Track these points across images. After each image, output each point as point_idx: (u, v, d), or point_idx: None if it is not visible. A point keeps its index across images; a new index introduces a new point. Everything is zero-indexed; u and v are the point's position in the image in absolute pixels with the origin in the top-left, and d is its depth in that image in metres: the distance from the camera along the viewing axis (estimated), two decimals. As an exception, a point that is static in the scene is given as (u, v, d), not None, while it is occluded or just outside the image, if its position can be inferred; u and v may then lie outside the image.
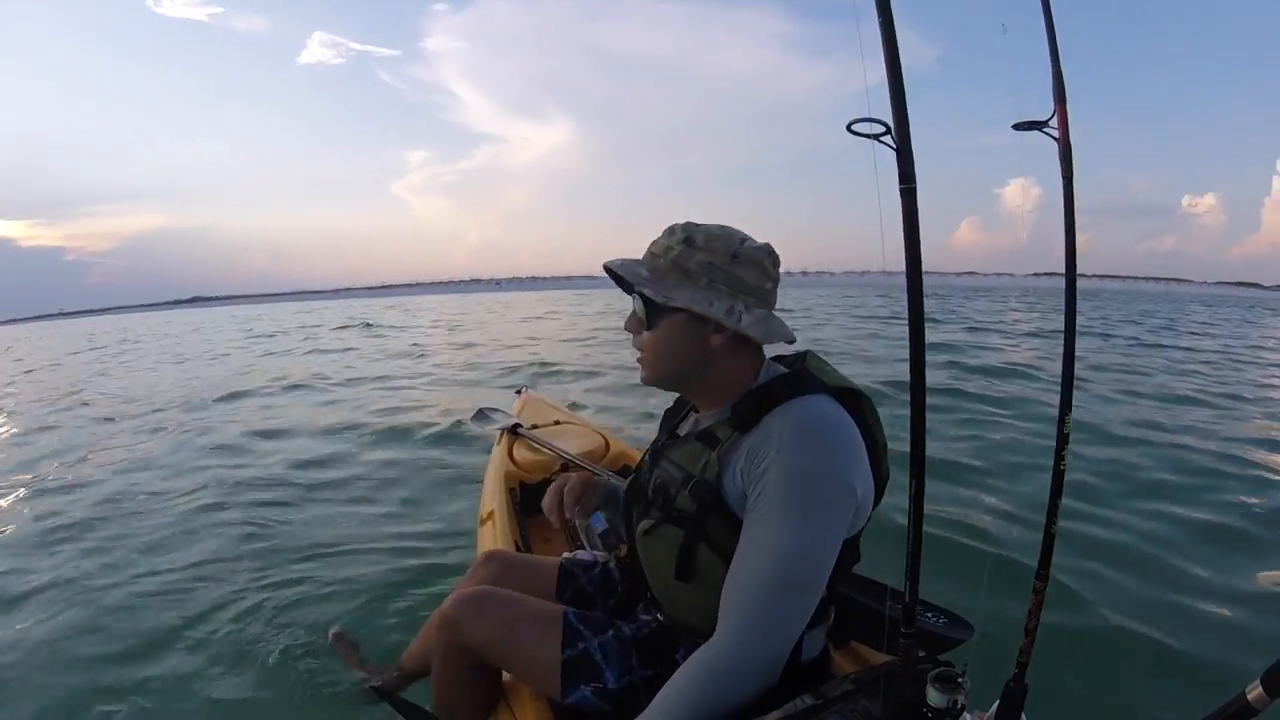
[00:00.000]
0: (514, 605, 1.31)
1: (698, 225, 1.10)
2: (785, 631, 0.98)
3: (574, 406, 5.16)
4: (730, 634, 0.97)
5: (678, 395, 1.27)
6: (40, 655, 2.30)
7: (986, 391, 6.56)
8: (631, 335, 1.13)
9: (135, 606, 2.60)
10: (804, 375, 1.09)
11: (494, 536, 2.09)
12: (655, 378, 1.13)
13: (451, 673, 1.36)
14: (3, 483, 4.66)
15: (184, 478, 4.36)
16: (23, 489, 4.46)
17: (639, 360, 1.14)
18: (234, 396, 7.79)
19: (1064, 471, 1.00)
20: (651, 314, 1.08)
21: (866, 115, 1.02)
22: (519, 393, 3.70)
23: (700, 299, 1.05)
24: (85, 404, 8.20)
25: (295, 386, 8.39)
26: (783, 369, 1.14)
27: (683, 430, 1.21)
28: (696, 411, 1.19)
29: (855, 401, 1.09)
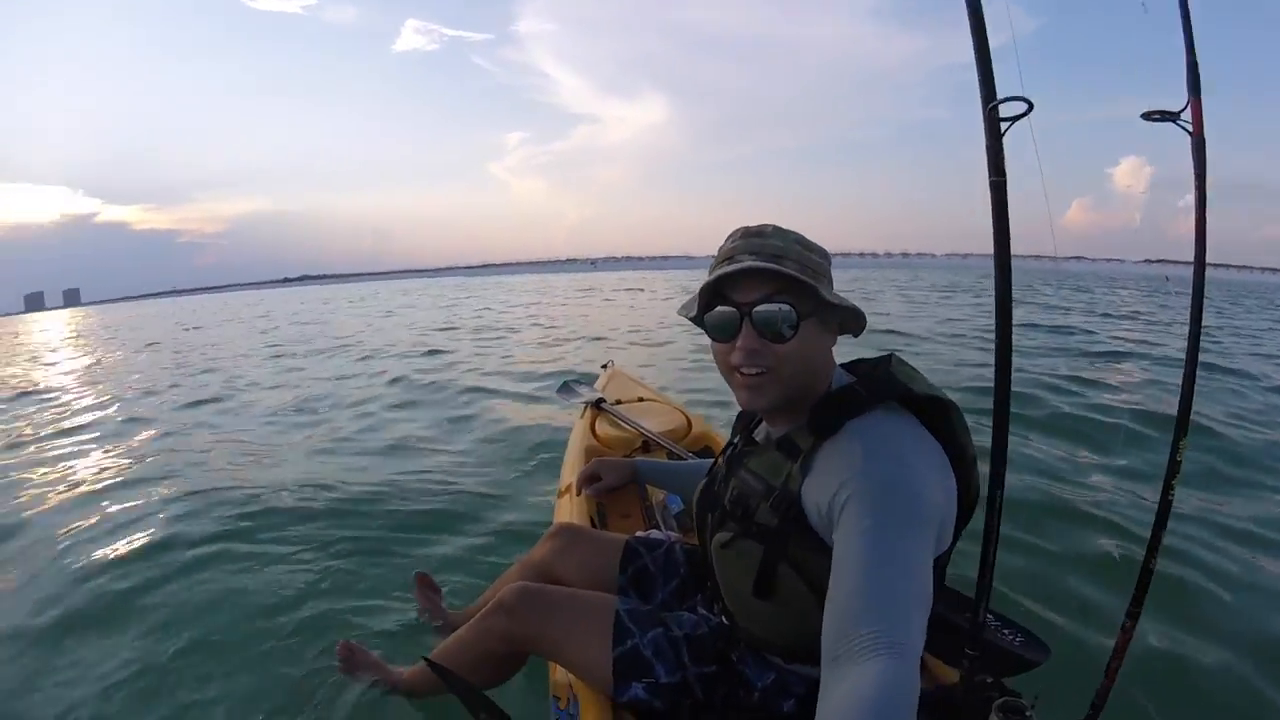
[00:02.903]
0: (570, 602, 1.33)
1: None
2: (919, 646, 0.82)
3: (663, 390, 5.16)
4: (888, 654, 0.77)
5: None
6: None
7: (1102, 379, 6.04)
8: (746, 352, 1.01)
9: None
10: (888, 381, 1.02)
11: (569, 509, 2.10)
12: (783, 396, 1.03)
13: (491, 651, 1.39)
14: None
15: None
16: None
17: (758, 378, 1.02)
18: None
19: (1171, 503, 0.88)
20: (800, 319, 1.00)
21: (1012, 94, 0.95)
22: (605, 368, 3.71)
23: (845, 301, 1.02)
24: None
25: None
26: (850, 377, 1.08)
27: (759, 435, 1.17)
28: (766, 420, 1.14)
29: (942, 411, 1.02)
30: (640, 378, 3.60)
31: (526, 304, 21.42)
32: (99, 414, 6.28)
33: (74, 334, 23.37)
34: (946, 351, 7.95)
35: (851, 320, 1.09)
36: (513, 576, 1.68)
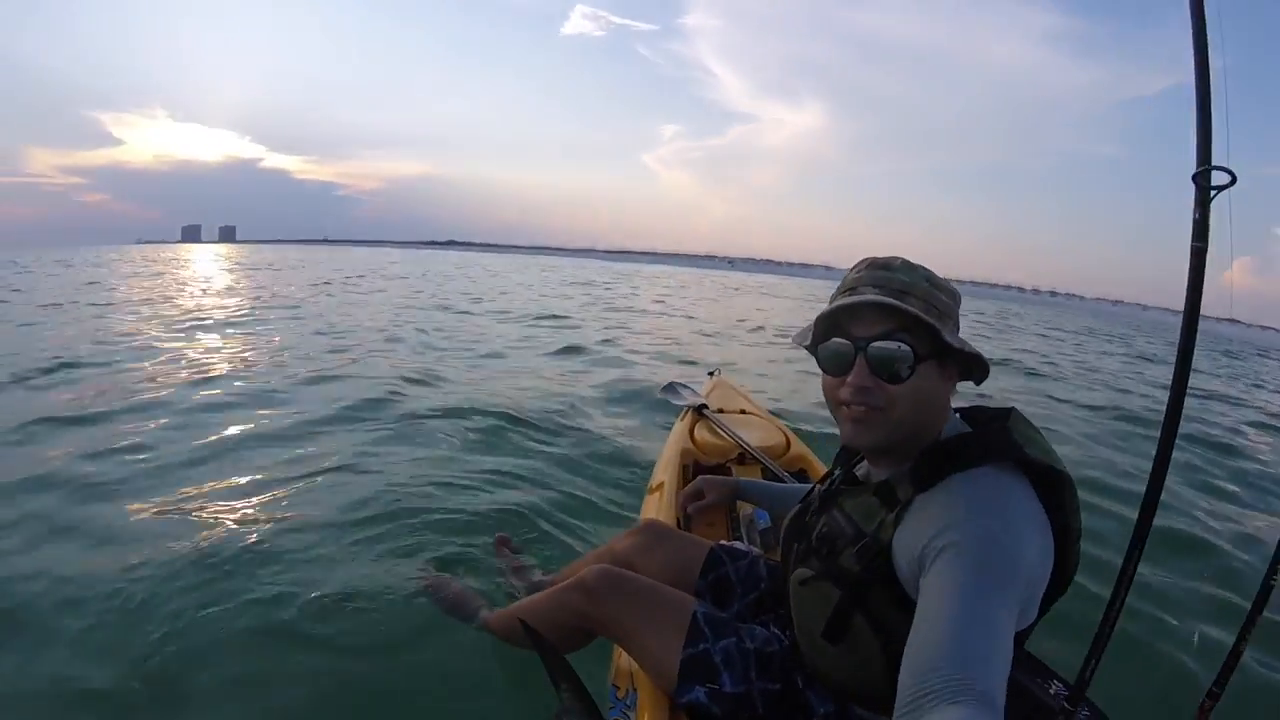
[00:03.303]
0: (650, 595, 1.34)
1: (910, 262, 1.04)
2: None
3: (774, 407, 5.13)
4: (973, 702, 0.74)
5: None
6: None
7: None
8: (857, 388, 0.99)
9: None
10: (1000, 439, 0.97)
11: (658, 508, 2.15)
12: (889, 437, 1.00)
13: (562, 624, 1.43)
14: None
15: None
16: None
17: (866, 415, 0.99)
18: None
19: (1272, 588, 0.82)
20: (917, 359, 0.97)
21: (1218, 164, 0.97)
22: (711, 374, 3.71)
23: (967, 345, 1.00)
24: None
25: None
26: (965, 426, 1.04)
27: (860, 472, 1.14)
28: (869, 461, 1.11)
29: (1056, 481, 0.95)
30: (745, 389, 3.59)
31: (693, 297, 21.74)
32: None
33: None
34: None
35: (975, 367, 1.05)
36: (592, 560, 1.73)
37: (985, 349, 1.06)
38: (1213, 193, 1.10)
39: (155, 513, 2.73)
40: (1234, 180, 1.08)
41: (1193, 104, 1.14)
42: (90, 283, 16.02)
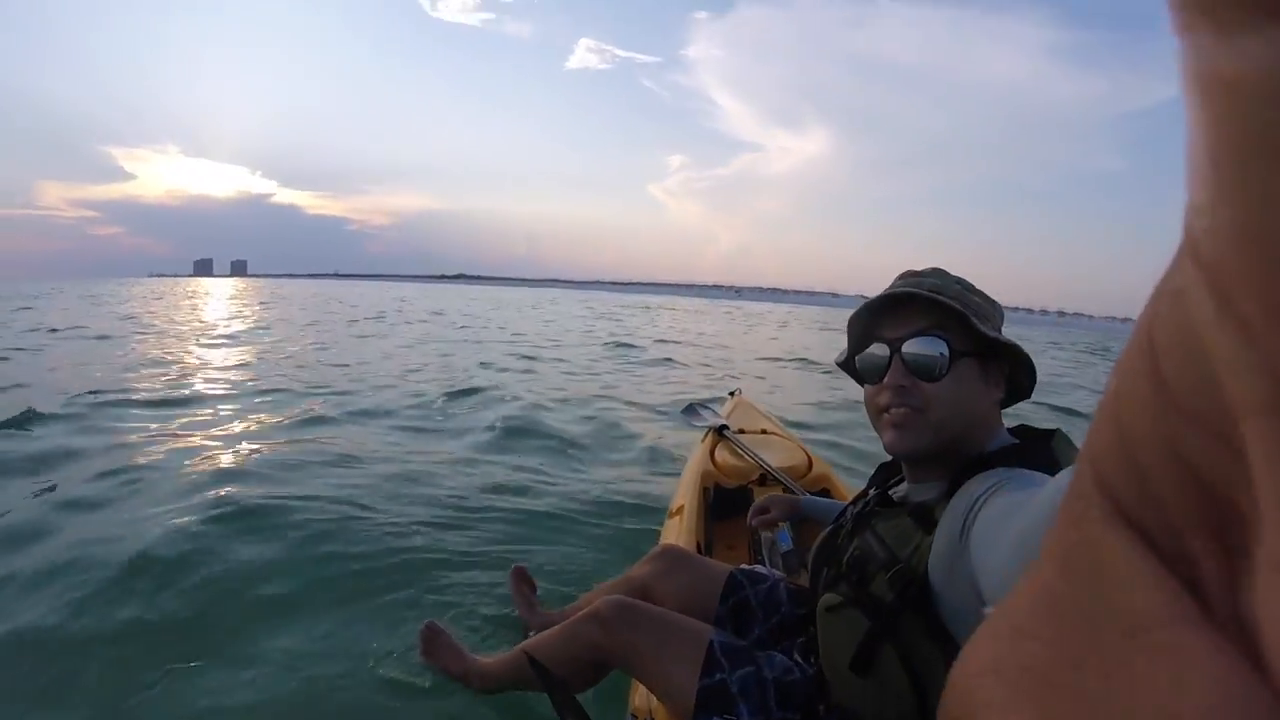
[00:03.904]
0: (665, 624, 1.30)
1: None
2: None
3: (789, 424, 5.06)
4: None
5: None
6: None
7: None
8: (894, 390, 0.97)
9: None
10: (1041, 453, 0.92)
11: (678, 532, 2.09)
12: (932, 442, 0.96)
13: (574, 657, 1.38)
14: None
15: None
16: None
17: (905, 416, 0.97)
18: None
19: None
20: (953, 356, 0.95)
21: None
22: (732, 395, 3.66)
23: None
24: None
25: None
26: (1014, 439, 0.98)
27: (897, 494, 1.09)
28: (910, 479, 1.06)
29: None
30: (765, 409, 3.52)
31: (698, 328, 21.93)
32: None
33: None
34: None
35: (1021, 372, 1.00)
36: (609, 590, 1.67)
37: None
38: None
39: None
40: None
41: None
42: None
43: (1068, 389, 9.78)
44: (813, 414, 5.84)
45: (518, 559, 2.51)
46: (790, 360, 11.43)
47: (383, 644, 1.99)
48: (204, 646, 1.95)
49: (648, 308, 39.08)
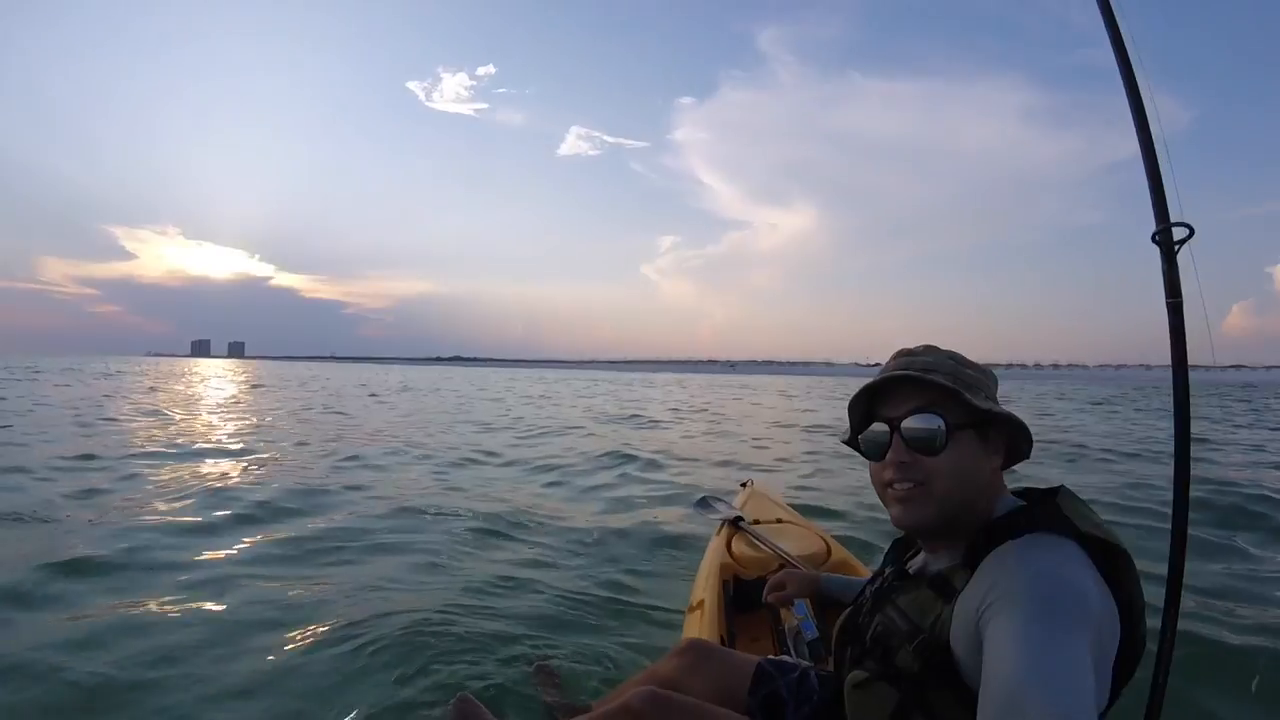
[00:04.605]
0: (700, 716, 1.29)
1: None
2: None
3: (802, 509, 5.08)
4: None
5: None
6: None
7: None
8: (896, 466, 1.01)
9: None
10: (1051, 513, 0.95)
11: (700, 626, 2.08)
12: (938, 514, 0.99)
13: None
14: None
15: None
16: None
17: (909, 491, 1.00)
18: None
19: None
20: (950, 430, 0.98)
21: (1175, 220, 1.01)
22: (744, 485, 3.59)
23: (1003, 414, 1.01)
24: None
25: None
26: (1020, 501, 1.04)
27: (913, 567, 1.12)
28: (925, 550, 1.10)
29: (1112, 556, 0.92)
30: (780, 497, 3.48)
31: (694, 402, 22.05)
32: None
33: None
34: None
35: (1019, 437, 1.05)
36: (637, 684, 1.63)
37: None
38: (1176, 247, 1.16)
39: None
40: (1192, 233, 1.16)
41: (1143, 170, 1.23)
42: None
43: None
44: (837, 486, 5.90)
45: (538, 648, 2.55)
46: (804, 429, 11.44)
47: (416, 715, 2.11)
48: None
49: (651, 384, 39.28)
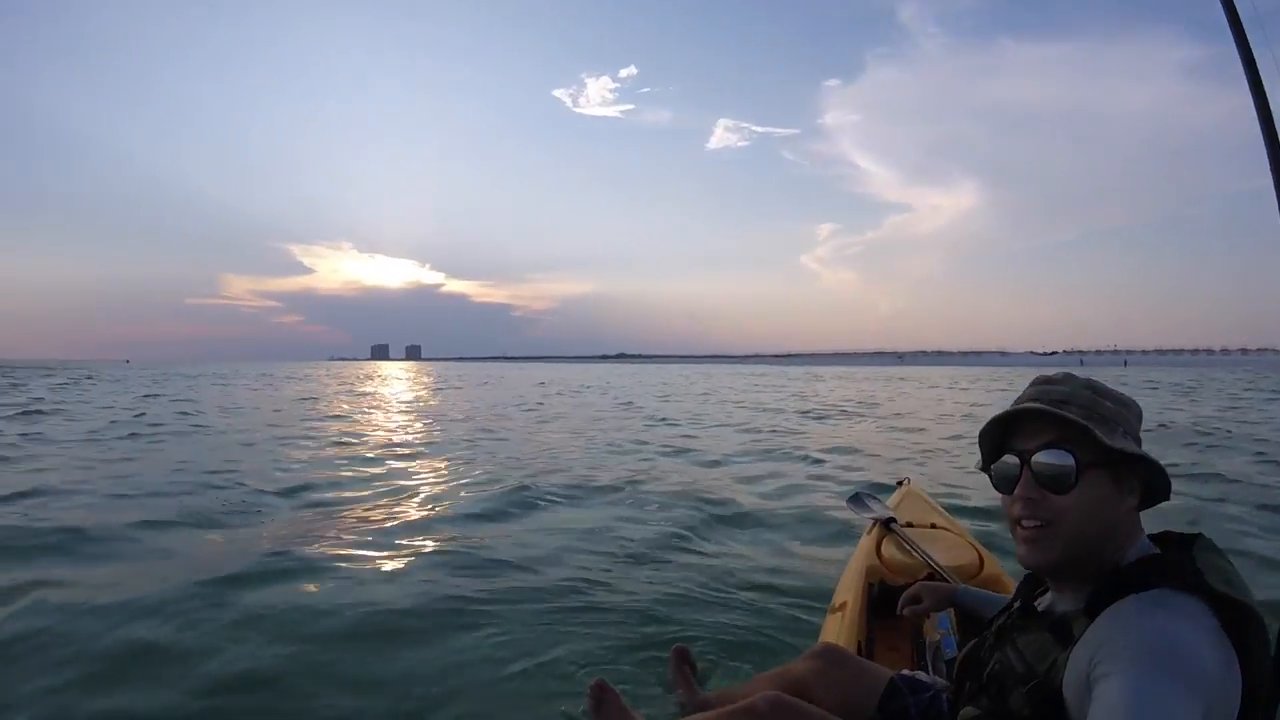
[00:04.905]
0: None
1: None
2: None
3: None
4: None
5: None
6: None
7: None
8: (1024, 501, 0.97)
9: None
10: (1182, 566, 0.89)
11: (838, 629, 2.04)
12: (1065, 556, 0.95)
13: None
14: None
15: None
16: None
17: (1036, 531, 0.96)
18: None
19: None
20: (1081, 468, 0.94)
21: None
22: (900, 484, 3.39)
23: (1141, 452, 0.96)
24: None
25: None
26: (1154, 548, 0.96)
27: (1041, 605, 1.07)
28: (1052, 588, 1.05)
29: (1241, 616, 0.85)
30: (936, 501, 3.24)
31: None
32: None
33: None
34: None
35: (1156, 479, 0.98)
36: (766, 683, 1.66)
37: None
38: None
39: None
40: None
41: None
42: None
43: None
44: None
45: (677, 631, 2.65)
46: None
47: (553, 685, 2.34)
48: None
49: (819, 378, 38.57)
